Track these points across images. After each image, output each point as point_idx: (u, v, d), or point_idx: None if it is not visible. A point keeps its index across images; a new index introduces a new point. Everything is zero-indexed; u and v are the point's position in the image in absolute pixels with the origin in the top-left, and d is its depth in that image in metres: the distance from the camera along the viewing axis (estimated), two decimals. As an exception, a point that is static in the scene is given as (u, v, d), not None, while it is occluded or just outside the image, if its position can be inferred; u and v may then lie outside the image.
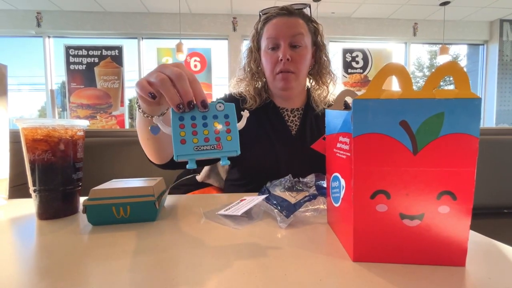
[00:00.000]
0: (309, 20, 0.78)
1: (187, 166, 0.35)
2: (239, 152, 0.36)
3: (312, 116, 0.80)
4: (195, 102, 0.36)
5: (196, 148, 0.35)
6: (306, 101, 0.83)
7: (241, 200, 0.48)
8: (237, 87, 0.84)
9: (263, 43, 0.77)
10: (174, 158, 0.35)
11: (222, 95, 0.88)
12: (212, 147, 0.35)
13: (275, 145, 0.75)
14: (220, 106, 0.37)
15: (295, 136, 0.78)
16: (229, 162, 0.36)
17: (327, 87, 0.82)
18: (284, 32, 0.73)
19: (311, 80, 0.85)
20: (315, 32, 0.80)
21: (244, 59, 0.84)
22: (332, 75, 0.82)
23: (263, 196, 0.47)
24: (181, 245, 0.34)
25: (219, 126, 0.36)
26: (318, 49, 0.80)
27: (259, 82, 0.83)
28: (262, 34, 0.78)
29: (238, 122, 0.38)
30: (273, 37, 0.74)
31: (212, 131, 0.36)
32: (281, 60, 0.72)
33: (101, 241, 0.36)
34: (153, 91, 0.38)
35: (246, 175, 0.78)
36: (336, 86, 0.82)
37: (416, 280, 0.26)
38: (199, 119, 0.36)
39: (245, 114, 0.40)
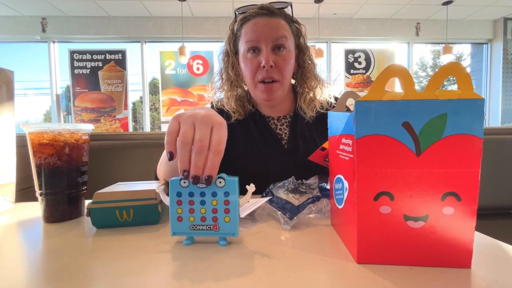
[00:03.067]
0: (291, 20, 0.71)
1: (184, 243, 0.35)
2: (237, 235, 0.34)
3: (303, 124, 0.73)
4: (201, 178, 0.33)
5: (192, 227, 0.34)
6: (294, 107, 0.76)
7: (245, 202, 0.48)
8: (217, 96, 0.76)
9: (242, 47, 0.69)
10: (170, 234, 0.34)
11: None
12: (208, 227, 0.34)
13: (265, 157, 0.70)
14: (220, 182, 0.34)
15: (287, 148, 0.72)
16: (226, 243, 0.35)
17: (314, 92, 0.74)
18: (266, 35, 0.65)
19: (298, 85, 0.77)
20: (298, 34, 0.73)
21: (220, 63, 0.76)
22: (318, 79, 0.74)
23: (267, 198, 0.47)
24: (184, 248, 0.35)
25: (217, 205, 0.34)
26: (301, 52, 0.73)
27: (239, 90, 0.76)
28: (240, 36, 0.70)
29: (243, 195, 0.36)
30: (253, 40, 0.66)
31: (209, 209, 0.34)
32: (264, 66, 0.65)
33: (106, 244, 0.37)
34: (173, 152, 0.34)
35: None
36: (324, 91, 0.75)
37: (421, 282, 0.26)
38: (196, 195, 0.34)
39: (250, 188, 0.35)
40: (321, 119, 0.72)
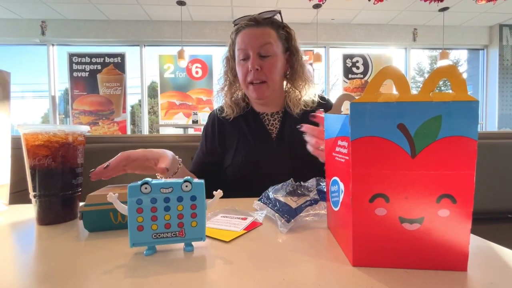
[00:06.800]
0: (279, 27, 0.79)
1: (144, 253, 0.33)
2: (204, 239, 0.34)
3: (291, 119, 0.80)
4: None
5: (154, 236, 0.32)
6: (285, 104, 0.85)
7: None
8: (218, 98, 0.86)
9: (236, 54, 0.79)
10: (129, 245, 0.32)
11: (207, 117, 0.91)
12: (174, 234, 0.33)
13: (255, 150, 0.77)
14: (186, 186, 0.33)
15: (275, 139, 0.79)
16: (192, 249, 0.34)
17: (300, 91, 0.82)
18: (252, 43, 0.74)
19: (288, 84, 0.85)
20: (287, 38, 0.80)
21: (223, 67, 0.86)
22: (306, 79, 0.82)
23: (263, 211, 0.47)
24: (179, 249, 0.34)
25: (183, 210, 0.33)
26: (292, 54, 0.81)
27: (238, 93, 0.86)
28: (235, 45, 0.80)
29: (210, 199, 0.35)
30: (243, 48, 0.75)
31: (175, 215, 0.33)
32: (251, 70, 0.74)
33: (100, 246, 0.36)
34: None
35: (230, 183, 0.79)
36: (310, 89, 0.82)
37: (416, 285, 0.26)
38: (160, 201, 0.32)
39: (217, 194, 0.36)
40: (306, 116, 0.79)
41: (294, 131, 0.78)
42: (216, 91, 0.87)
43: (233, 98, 0.84)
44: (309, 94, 0.83)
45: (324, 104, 0.83)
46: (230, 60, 0.83)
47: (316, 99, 0.84)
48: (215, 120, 0.85)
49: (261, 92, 0.77)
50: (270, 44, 0.75)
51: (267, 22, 0.77)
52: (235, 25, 0.81)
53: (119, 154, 0.50)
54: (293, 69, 0.82)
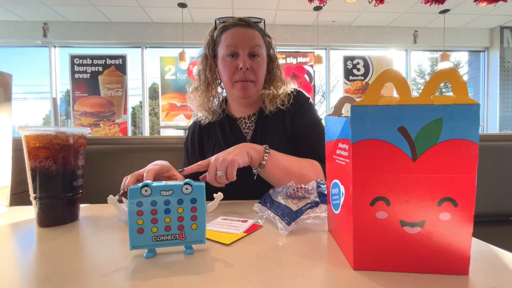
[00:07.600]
0: (263, 33, 0.81)
1: (145, 256, 0.33)
2: (204, 242, 0.34)
3: (265, 118, 0.81)
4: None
5: (154, 238, 0.32)
6: (261, 102, 0.86)
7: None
8: (192, 98, 0.85)
9: (221, 51, 0.77)
10: (129, 248, 0.32)
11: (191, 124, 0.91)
12: (174, 237, 0.33)
13: None
14: (187, 189, 0.33)
15: (249, 141, 0.79)
16: (193, 252, 0.34)
17: (277, 90, 0.83)
18: (244, 42, 0.74)
19: (265, 85, 0.86)
20: (269, 46, 0.83)
21: (201, 65, 0.84)
22: (283, 81, 0.84)
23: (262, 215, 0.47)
24: (179, 252, 0.34)
25: (183, 213, 0.33)
26: (271, 61, 0.84)
27: (214, 92, 0.84)
28: (219, 42, 0.78)
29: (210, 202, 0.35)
30: (233, 45, 0.74)
31: (175, 218, 0.32)
32: (241, 68, 0.73)
33: (100, 249, 0.36)
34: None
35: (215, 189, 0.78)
36: (288, 86, 0.84)
37: (418, 289, 0.26)
38: (160, 204, 0.32)
39: (218, 196, 0.36)
40: (279, 115, 0.80)
41: (267, 129, 0.80)
42: (191, 90, 0.85)
43: (209, 105, 0.84)
44: (286, 90, 0.83)
45: (300, 98, 0.82)
46: (209, 58, 0.81)
47: (292, 90, 0.84)
48: (195, 132, 0.86)
49: (247, 90, 0.76)
50: (260, 46, 0.76)
51: (256, 26, 0.79)
52: (222, 22, 0.80)
53: (130, 178, 0.52)
54: (272, 74, 0.84)
